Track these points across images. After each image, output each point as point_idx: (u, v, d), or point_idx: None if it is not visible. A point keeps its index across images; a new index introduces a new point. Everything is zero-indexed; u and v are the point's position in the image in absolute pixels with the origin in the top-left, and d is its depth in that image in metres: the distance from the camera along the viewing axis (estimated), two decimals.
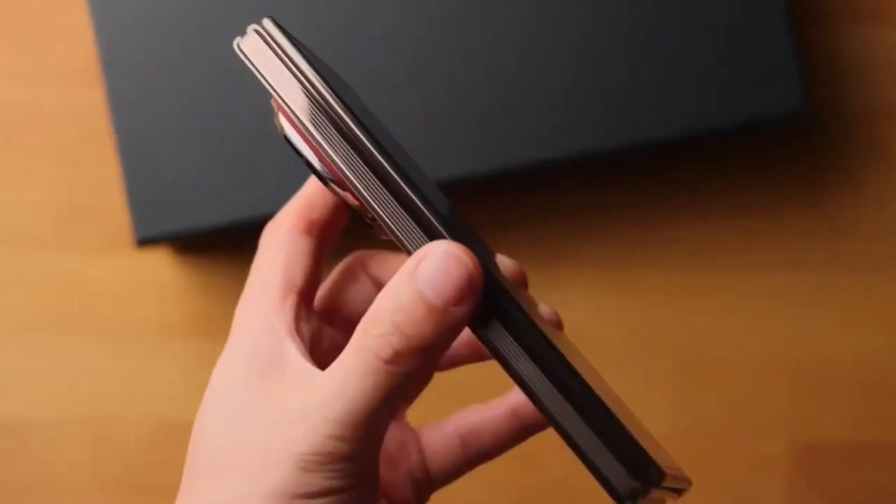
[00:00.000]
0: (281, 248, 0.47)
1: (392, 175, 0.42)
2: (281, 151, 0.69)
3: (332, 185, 0.43)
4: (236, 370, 0.44)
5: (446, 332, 0.41)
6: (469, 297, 0.41)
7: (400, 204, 0.42)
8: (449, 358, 0.53)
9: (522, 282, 0.50)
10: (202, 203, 0.70)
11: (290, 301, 0.46)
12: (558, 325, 0.51)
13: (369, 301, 0.50)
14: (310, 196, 0.48)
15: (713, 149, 0.76)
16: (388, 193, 0.42)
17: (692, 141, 0.70)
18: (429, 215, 0.42)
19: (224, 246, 0.75)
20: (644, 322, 0.75)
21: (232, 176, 0.70)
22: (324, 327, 0.49)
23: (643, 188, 0.76)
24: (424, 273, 0.41)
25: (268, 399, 0.43)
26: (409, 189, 0.42)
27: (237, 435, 0.43)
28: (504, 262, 0.50)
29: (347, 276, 0.51)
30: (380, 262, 0.51)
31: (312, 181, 0.49)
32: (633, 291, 0.76)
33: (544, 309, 0.50)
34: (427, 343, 0.41)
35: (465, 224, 0.48)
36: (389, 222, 0.42)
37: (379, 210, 0.42)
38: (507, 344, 0.41)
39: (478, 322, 0.42)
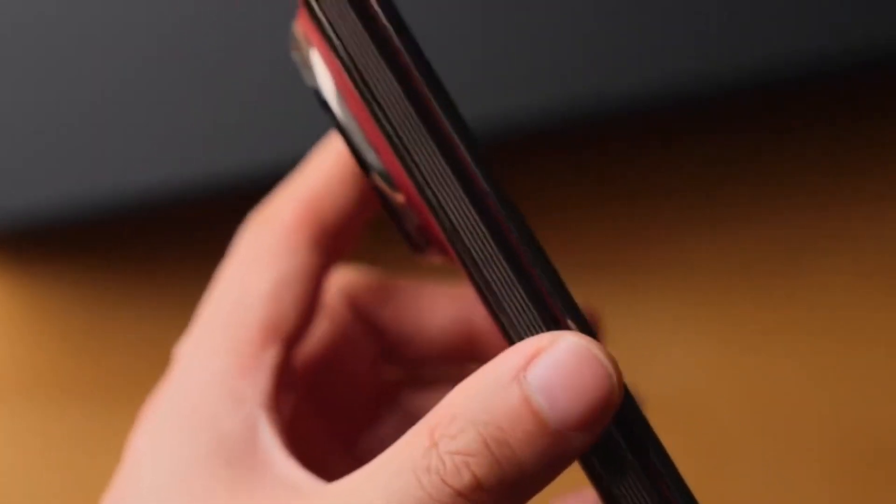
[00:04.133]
0: (272, 263, 0.36)
1: (508, 222, 0.32)
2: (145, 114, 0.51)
3: (378, 177, 0.33)
4: (184, 450, 0.33)
5: (553, 467, 0.31)
6: (600, 422, 0.31)
7: (510, 260, 0.32)
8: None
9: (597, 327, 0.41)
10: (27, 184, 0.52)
11: (272, 354, 0.35)
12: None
13: (365, 369, 0.39)
14: (321, 182, 0.36)
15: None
16: (492, 238, 0.32)
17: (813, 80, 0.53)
18: (559, 293, 0.32)
19: (51, 246, 0.56)
20: (783, 381, 0.55)
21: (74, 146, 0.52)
22: (301, 401, 0.39)
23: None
24: (541, 376, 0.31)
25: None
26: (532, 249, 0.32)
27: None
28: None
29: (332, 322, 0.39)
30: (387, 298, 0.40)
31: (323, 158, 0.37)
32: (764, 331, 0.55)
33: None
34: (523, 476, 0.31)
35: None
36: (489, 277, 0.32)
37: (472, 251, 0.32)
38: (639, 498, 0.32)
39: (598, 456, 0.32)
